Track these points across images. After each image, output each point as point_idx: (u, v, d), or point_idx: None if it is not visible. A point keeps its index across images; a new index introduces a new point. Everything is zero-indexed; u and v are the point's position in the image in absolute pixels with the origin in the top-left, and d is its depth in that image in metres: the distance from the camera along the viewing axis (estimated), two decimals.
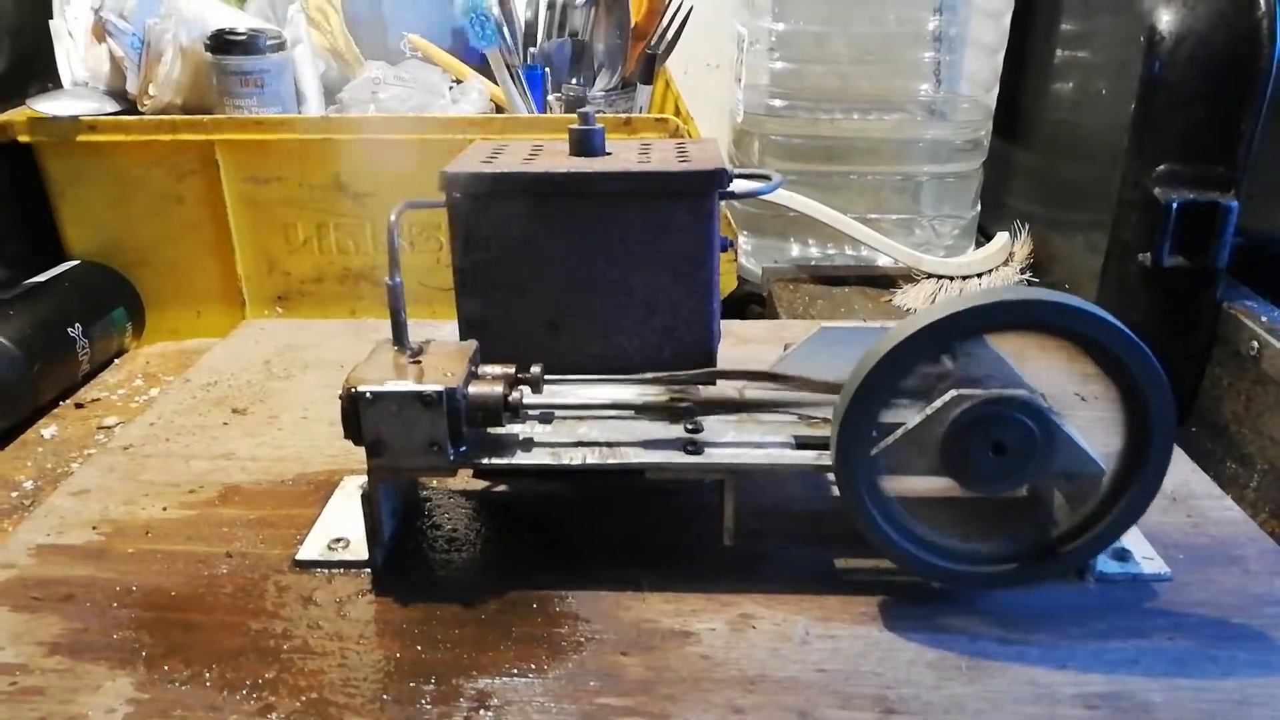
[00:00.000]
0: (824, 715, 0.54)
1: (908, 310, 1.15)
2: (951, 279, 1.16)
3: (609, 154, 0.76)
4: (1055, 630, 0.60)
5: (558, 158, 0.74)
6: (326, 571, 0.66)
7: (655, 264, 0.71)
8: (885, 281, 1.22)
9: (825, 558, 0.67)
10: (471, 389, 0.63)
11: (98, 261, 1.10)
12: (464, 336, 0.75)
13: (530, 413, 0.68)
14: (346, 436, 0.62)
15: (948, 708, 0.54)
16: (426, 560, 0.67)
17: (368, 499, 0.64)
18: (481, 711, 0.54)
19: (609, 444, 0.64)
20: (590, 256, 0.71)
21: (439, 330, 0.77)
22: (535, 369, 0.67)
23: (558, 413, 0.68)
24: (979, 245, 1.26)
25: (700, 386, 0.70)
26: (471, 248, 0.72)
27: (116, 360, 1.06)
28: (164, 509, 0.74)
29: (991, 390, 0.59)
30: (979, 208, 1.33)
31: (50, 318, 0.97)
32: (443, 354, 0.66)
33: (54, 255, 1.12)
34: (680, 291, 0.72)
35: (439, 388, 0.60)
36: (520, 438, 0.65)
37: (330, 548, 0.67)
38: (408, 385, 0.61)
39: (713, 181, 0.69)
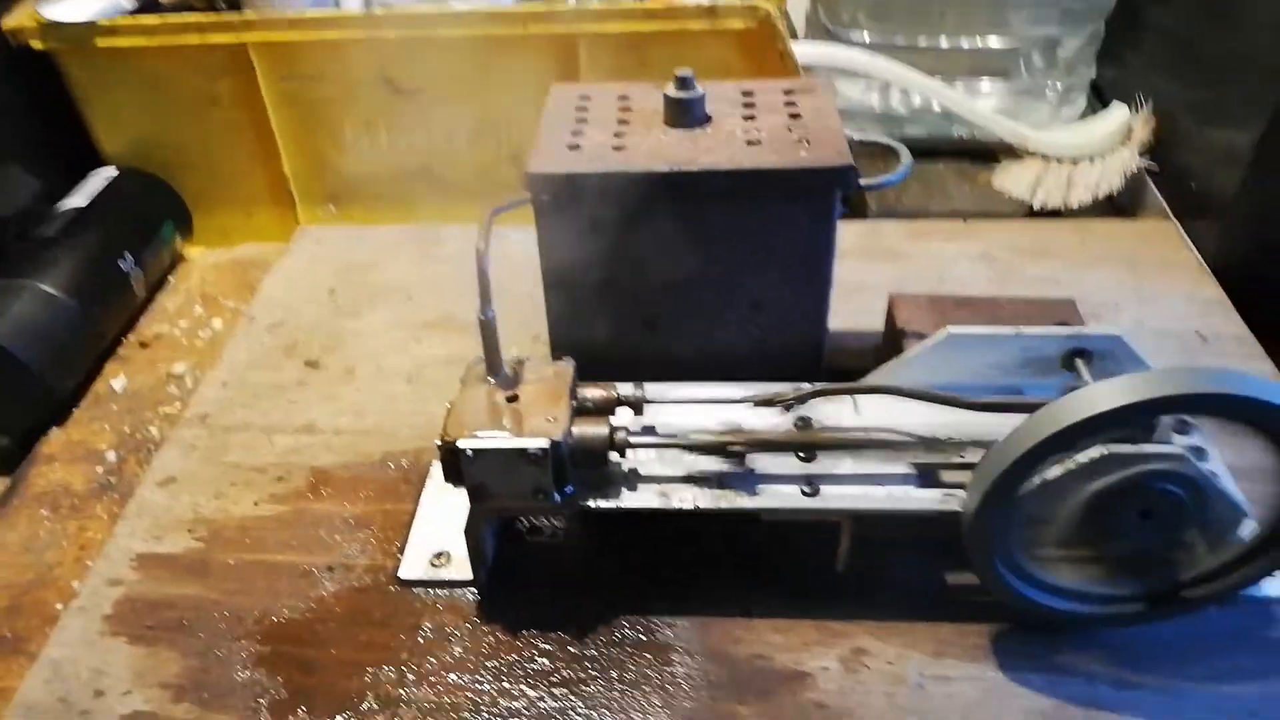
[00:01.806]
0: None
1: (1010, 196, 1.06)
2: (1060, 160, 1.06)
3: (709, 119, 0.67)
4: (1174, 670, 0.59)
5: (653, 133, 0.65)
6: (431, 593, 0.66)
7: (766, 263, 0.65)
8: (983, 155, 1.11)
9: (936, 570, 0.65)
10: (575, 430, 0.59)
11: (137, 168, 1.02)
12: (554, 335, 0.71)
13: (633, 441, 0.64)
14: (447, 480, 0.60)
15: None
16: (530, 576, 0.66)
17: (470, 534, 0.63)
18: None
19: (719, 481, 0.61)
20: (692, 254, 0.65)
21: (512, 271, 0.70)
22: (636, 391, 0.63)
23: (659, 425, 0.64)
24: (1092, 113, 1.14)
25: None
26: (561, 247, 0.65)
27: (170, 278, 1.01)
28: (255, 504, 0.73)
29: (1143, 454, 0.54)
30: (1095, 71, 1.18)
31: (99, 254, 0.91)
32: (540, 385, 0.61)
33: (90, 160, 1.04)
34: (791, 290, 0.66)
35: (543, 444, 0.57)
36: (626, 470, 0.62)
37: (433, 564, 0.67)
38: (510, 441, 0.57)
39: (837, 181, 0.61)
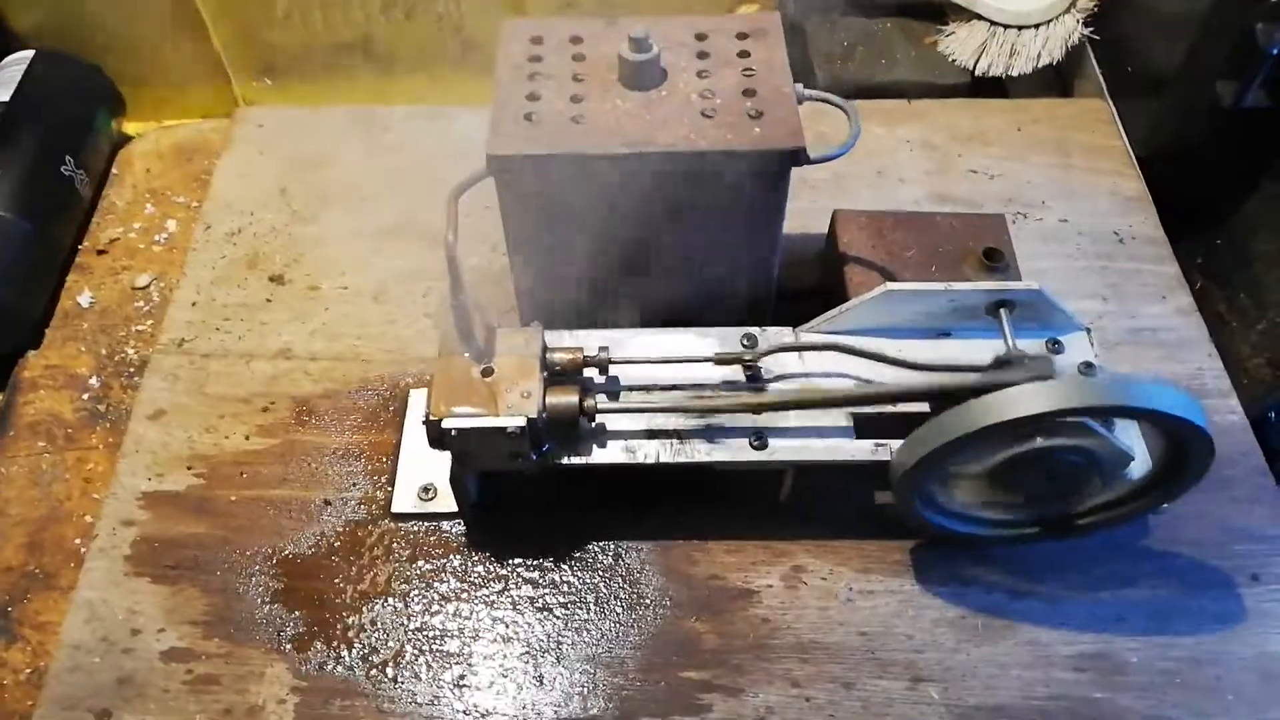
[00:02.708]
0: (865, 685, 0.67)
1: (954, 60, 1.06)
2: (1005, 27, 1.05)
3: (664, 76, 0.67)
4: (1059, 579, 0.71)
5: (609, 96, 0.66)
6: (422, 525, 0.73)
7: (719, 225, 0.68)
8: (931, 13, 1.10)
9: (866, 493, 0.74)
10: (549, 401, 0.65)
11: (55, 49, 0.96)
12: (520, 293, 0.74)
13: (599, 382, 0.70)
14: (432, 447, 0.66)
15: (964, 673, 0.67)
16: (511, 507, 0.74)
17: (455, 483, 0.69)
18: (593, 694, 0.66)
19: (679, 435, 0.68)
20: (650, 219, 0.68)
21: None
22: (601, 352, 0.68)
23: (623, 379, 0.70)
24: None
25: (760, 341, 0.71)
26: (523, 218, 0.67)
27: (113, 170, 0.99)
28: (246, 437, 0.78)
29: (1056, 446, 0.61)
30: None
31: (40, 163, 0.88)
32: (512, 356, 0.66)
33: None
34: (743, 248, 0.70)
35: (520, 422, 0.63)
36: (594, 427, 0.68)
37: (421, 498, 0.74)
38: (490, 421, 0.63)
39: (789, 160, 0.63)
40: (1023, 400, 0.57)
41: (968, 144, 0.98)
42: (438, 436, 0.64)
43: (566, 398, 0.65)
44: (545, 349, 0.67)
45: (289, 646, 0.68)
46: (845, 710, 0.66)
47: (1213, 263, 0.97)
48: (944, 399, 0.64)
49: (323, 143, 0.98)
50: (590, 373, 0.69)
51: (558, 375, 0.68)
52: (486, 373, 0.65)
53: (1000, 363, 0.66)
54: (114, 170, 1.00)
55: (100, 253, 0.92)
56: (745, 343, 0.72)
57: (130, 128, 1.07)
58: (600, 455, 0.67)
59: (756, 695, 0.66)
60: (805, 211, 0.92)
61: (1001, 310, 0.70)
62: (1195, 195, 0.96)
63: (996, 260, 0.79)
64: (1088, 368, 0.71)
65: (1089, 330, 0.73)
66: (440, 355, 0.66)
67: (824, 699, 0.66)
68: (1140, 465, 0.67)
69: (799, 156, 0.64)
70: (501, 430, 0.63)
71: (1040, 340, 0.72)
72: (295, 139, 0.98)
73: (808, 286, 0.85)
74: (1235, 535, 0.73)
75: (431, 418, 0.63)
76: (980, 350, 0.69)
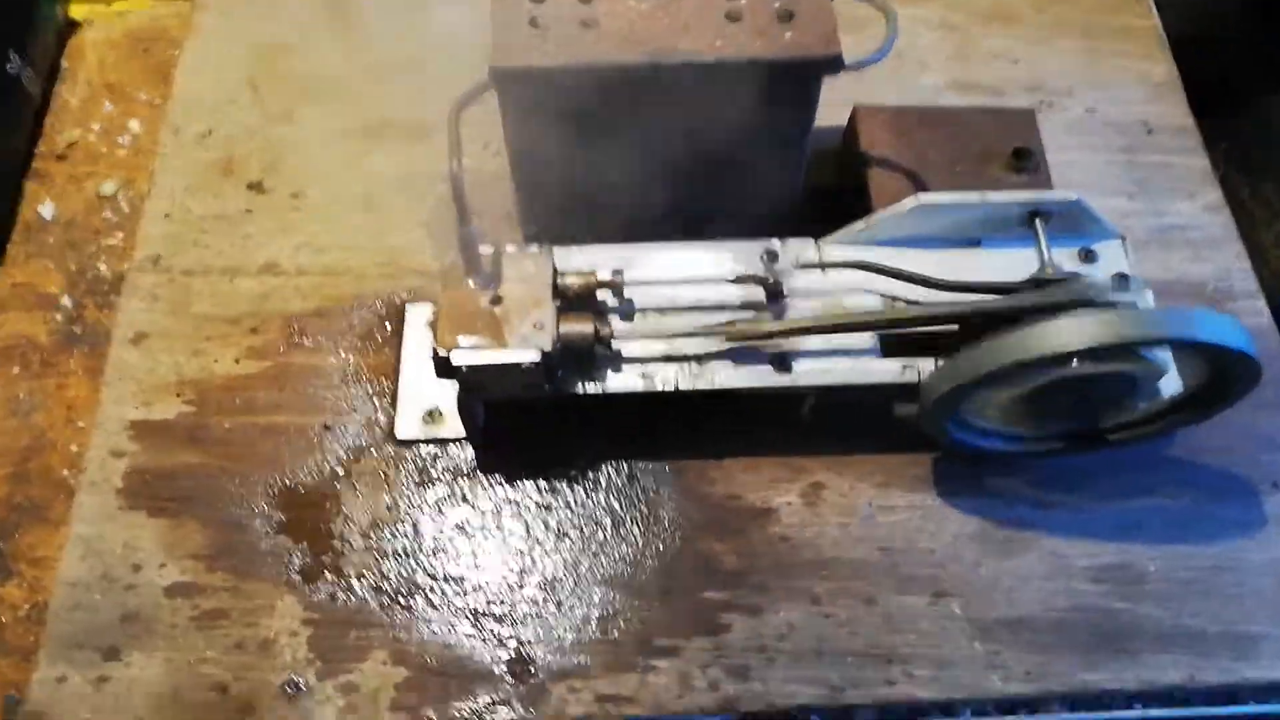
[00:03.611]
0: (886, 601, 0.66)
1: None
2: None
3: None
4: (1081, 490, 0.70)
5: (621, 13, 0.59)
6: (429, 449, 0.71)
7: (741, 138, 0.63)
8: None
9: (884, 405, 0.72)
10: (563, 330, 0.61)
11: None
12: (523, 208, 0.69)
13: (614, 306, 0.66)
14: (440, 376, 0.62)
15: (985, 587, 0.67)
16: (520, 428, 0.71)
17: (463, 409, 0.66)
18: (614, 618, 0.65)
19: (698, 359, 0.65)
20: (669, 131, 0.63)
21: None
22: (615, 275, 0.64)
23: (638, 301, 0.66)
24: None
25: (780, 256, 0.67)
26: (528, 133, 0.62)
27: (64, 63, 0.90)
28: (236, 360, 0.74)
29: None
30: None
31: None
32: (522, 283, 0.62)
33: None
34: (769, 158, 0.65)
35: (535, 356, 0.59)
36: (611, 352, 0.64)
37: (426, 422, 0.71)
38: (503, 355, 0.59)
39: (823, 69, 0.58)
40: (1071, 332, 0.54)
41: (989, 24, 0.92)
42: (446, 370, 0.60)
43: (581, 326, 0.62)
44: (556, 273, 0.63)
45: (297, 578, 0.66)
46: (866, 625, 0.65)
47: (1238, 149, 0.93)
48: (978, 323, 0.62)
49: (286, 28, 0.89)
50: (604, 294, 0.65)
51: (570, 300, 0.64)
52: (495, 301, 0.61)
53: (1038, 283, 0.63)
54: (64, 63, 0.91)
55: (59, 158, 0.86)
56: (766, 258, 0.68)
57: (76, 11, 0.98)
58: (616, 382, 0.64)
59: (778, 613, 0.66)
60: (822, 103, 0.86)
61: (1036, 220, 0.66)
62: (1224, 78, 0.92)
63: (1026, 160, 0.75)
64: (1121, 280, 0.68)
65: (1124, 239, 0.69)
66: (445, 284, 0.62)
67: (845, 615, 0.66)
68: (1172, 382, 0.65)
69: (834, 64, 0.58)
70: (515, 364, 0.59)
71: (1073, 250, 0.69)
72: (257, 22, 0.90)
73: (825, 184, 0.81)
74: (1261, 443, 0.72)
75: (440, 352, 0.60)
76: (1014, 263, 0.66)
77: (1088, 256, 0.69)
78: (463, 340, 0.60)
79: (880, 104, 0.79)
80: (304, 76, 0.87)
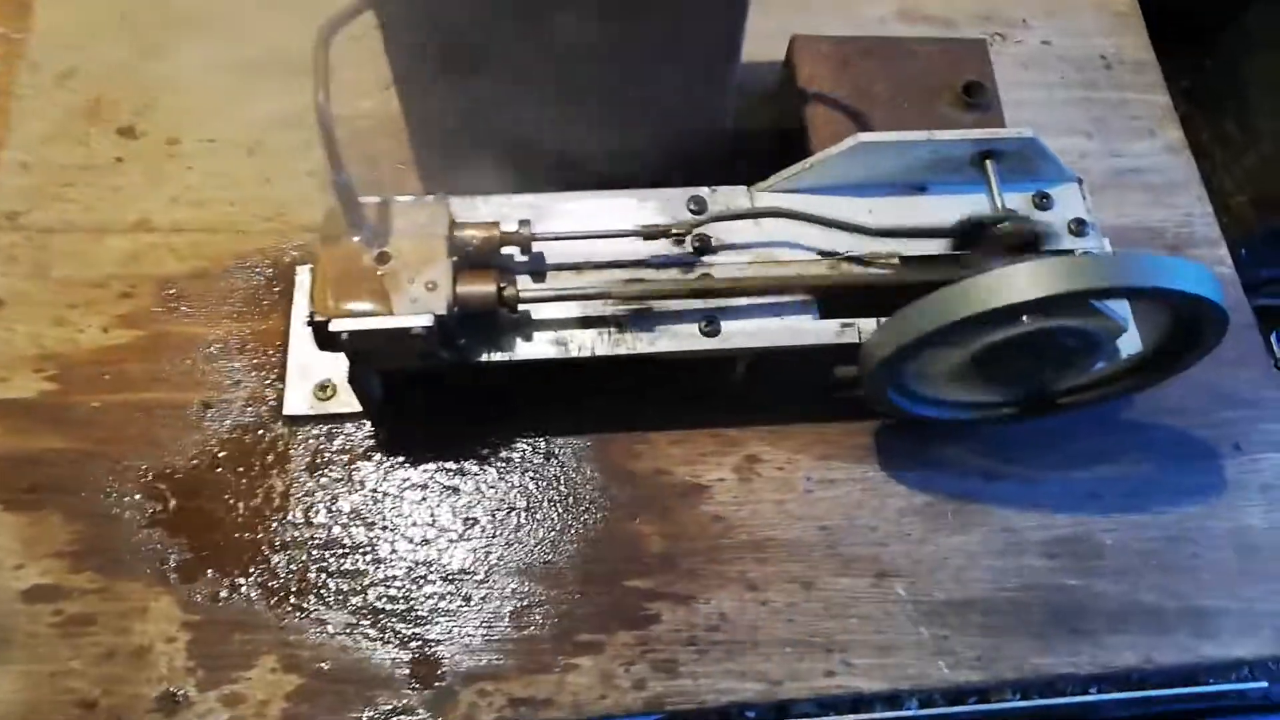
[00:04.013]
0: (826, 584, 0.61)
1: None
2: None
3: None
4: (1034, 458, 0.65)
5: None
6: (322, 428, 0.64)
7: (659, 63, 0.56)
8: None
9: (824, 370, 0.66)
10: (460, 291, 0.54)
11: None
12: (419, 152, 0.61)
13: (521, 261, 0.59)
14: (321, 349, 0.55)
15: (932, 566, 0.62)
16: (424, 399, 0.64)
17: (355, 383, 0.59)
18: (529, 611, 0.59)
19: (617, 323, 0.58)
20: (570, 54, 0.55)
21: None
22: (521, 227, 0.57)
23: (550, 256, 0.59)
24: None
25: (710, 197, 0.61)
26: (413, 57, 0.54)
27: None
28: (105, 330, 0.66)
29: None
30: None
31: None
32: (412, 236, 0.54)
33: None
34: (693, 88, 0.58)
35: (427, 321, 0.52)
36: (516, 316, 0.58)
37: (318, 397, 0.64)
38: (389, 321, 0.52)
39: None
40: (1024, 281, 0.48)
41: None
42: (326, 339, 0.53)
43: (482, 287, 0.55)
44: (453, 225, 0.56)
45: (175, 576, 0.59)
46: (805, 612, 0.60)
47: (1200, 86, 0.88)
48: (919, 277, 0.56)
49: None
50: (510, 250, 0.58)
51: (470, 256, 0.56)
52: (382, 258, 0.54)
53: (985, 224, 0.57)
54: None
55: None
56: (693, 207, 0.61)
57: None
58: (526, 350, 0.58)
59: (709, 601, 0.60)
60: (757, 34, 0.79)
61: (988, 162, 0.60)
62: (1188, 9, 0.86)
63: (978, 96, 0.68)
64: (1079, 225, 0.62)
65: (1081, 182, 0.64)
66: (323, 240, 0.54)
67: (782, 602, 0.60)
68: (1131, 340, 0.60)
69: None
70: (405, 331, 0.52)
71: (1028, 194, 0.63)
72: None
73: (763, 126, 0.74)
74: (1221, 401, 0.68)
75: (317, 317, 0.52)
76: (963, 209, 0.60)
77: (1043, 201, 0.63)
78: (344, 305, 0.53)
79: (821, 34, 0.72)
80: (181, 5, 0.77)
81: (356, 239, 0.54)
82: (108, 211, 0.70)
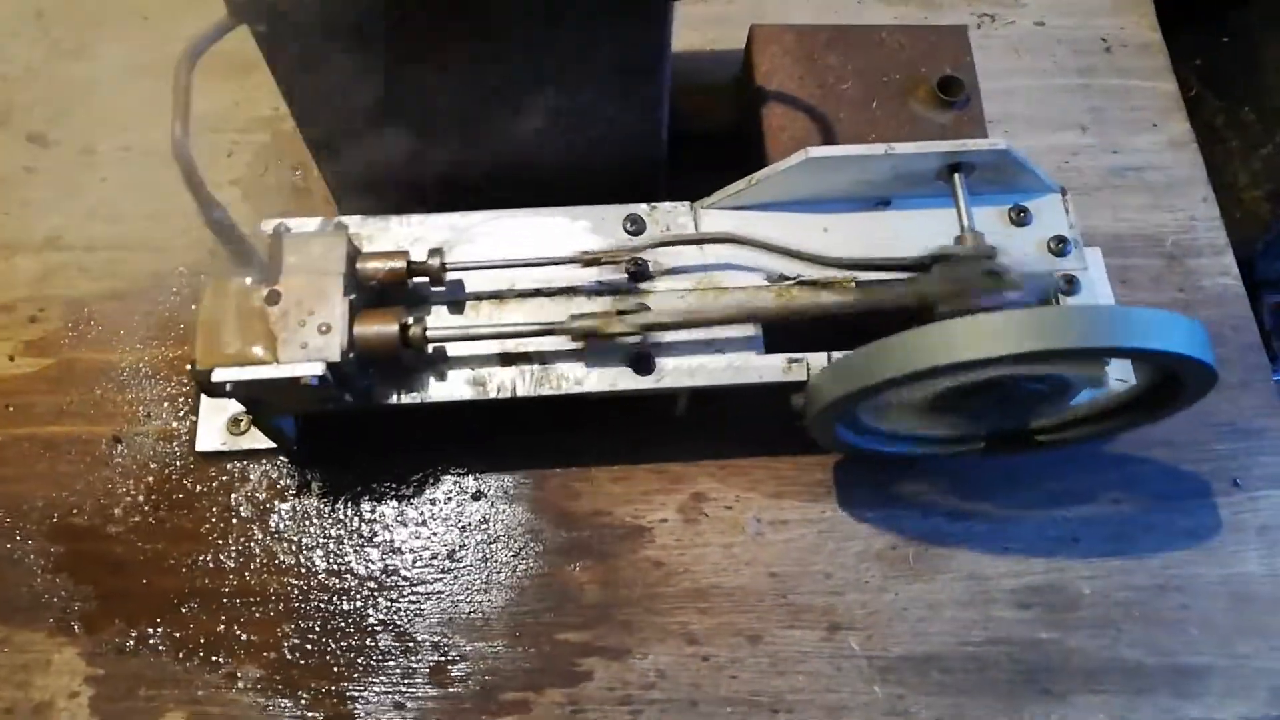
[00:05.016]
0: (774, 637, 0.56)
1: None
2: None
3: None
4: (1007, 496, 0.60)
5: None
6: (237, 464, 0.59)
7: (576, 76, 0.50)
8: None
9: (779, 401, 0.61)
10: (358, 332, 0.49)
11: None
12: (335, 195, 0.56)
13: (436, 292, 0.54)
14: (209, 396, 0.50)
15: (890, 617, 0.57)
16: (344, 434, 0.60)
17: (261, 425, 0.55)
18: (451, 667, 0.55)
19: (541, 359, 0.53)
20: (481, 81, 0.49)
21: None
22: (432, 257, 0.52)
23: (469, 285, 0.54)
24: None
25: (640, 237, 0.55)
26: (301, 79, 0.49)
27: None
28: (11, 358, 0.62)
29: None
30: None
31: None
32: (306, 273, 0.49)
33: None
34: (616, 105, 0.52)
35: (318, 370, 0.47)
36: (430, 353, 0.53)
37: (232, 431, 0.59)
38: (276, 371, 0.47)
39: None
40: (974, 339, 0.42)
41: None
42: (211, 388, 0.49)
43: (383, 326, 0.50)
44: (357, 257, 0.51)
45: (78, 626, 0.56)
46: (749, 669, 0.56)
47: (1213, 66, 0.80)
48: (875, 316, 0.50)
49: None
50: (423, 279, 0.53)
51: (375, 290, 0.52)
52: (272, 298, 0.49)
53: (944, 258, 0.51)
54: None
55: None
56: (629, 226, 0.56)
57: None
58: (439, 390, 0.53)
59: (645, 657, 0.56)
60: (718, 20, 0.73)
61: (956, 175, 0.54)
62: None
63: (953, 93, 0.61)
64: (1059, 244, 0.56)
65: (1064, 192, 0.57)
66: (209, 279, 0.50)
67: (725, 657, 0.56)
68: (1114, 379, 0.54)
69: None
70: (294, 384, 0.48)
71: (1004, 207, 0.57)
72: None
73: (721, 125, 0.68)
74: (1217, 432, 0.62)
75: (199, 366, 0.48)
76: (930, 227, 0.55)
77: (1020, 216, 0.57)
78: (230, 350, 0.48)
79: (785, 22, 0.66)
80: (101, 1, 0.72)
81: (246, 278, 0.49)
82: (16, 228, 0.65)
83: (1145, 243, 0.66)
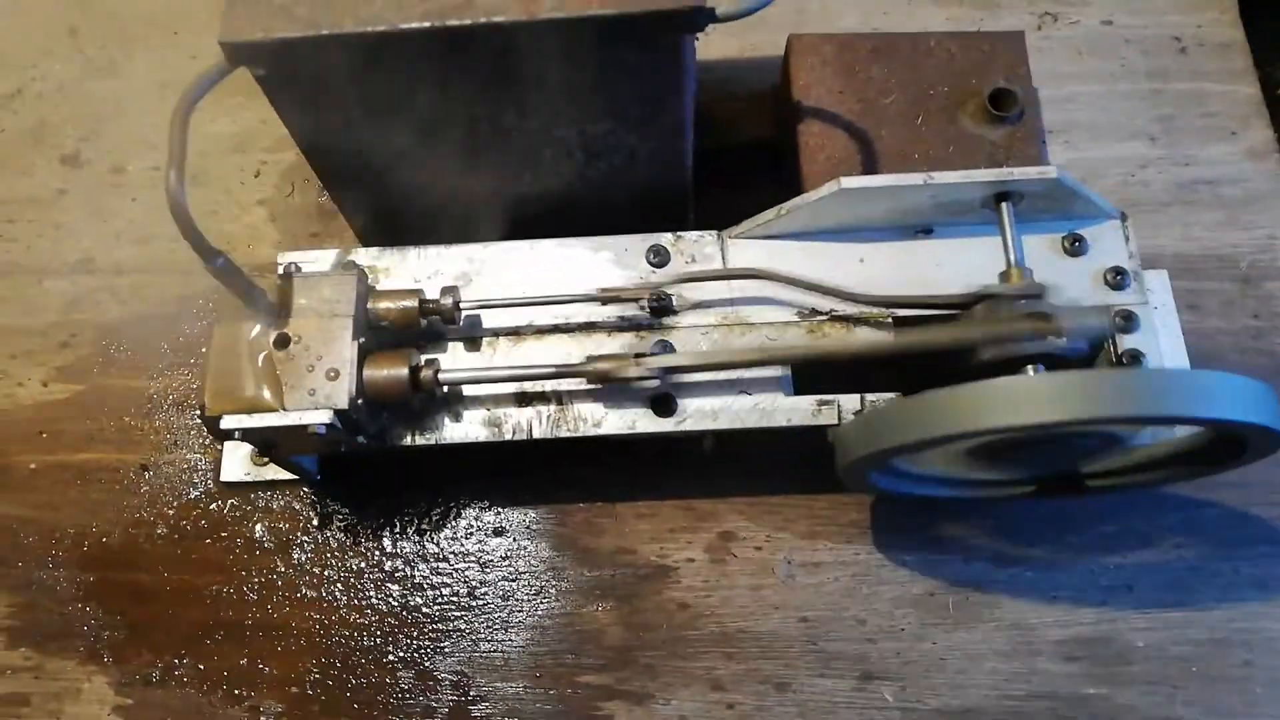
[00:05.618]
0: (803, 686, 0.54)
1: None
2: None
3: None
4: (1056, 541, 0.56)
5: None
6: (260, 495, 0.59)
7: (594, 111, 0.47)
8: None
9: (814, 432, 0.58)
10: (368, 376, 0.48)
11: None
12: (346, 215, 0.55)
13: (452, 329, 0.52)
14: (219, 440, 0.50)
15: (928, 667, 0.54)
16: (367, 465, 0.59)
17: (281, 463, 0.54)
18: (471, 707, 0.54)
19: (559, 399, 0.51)
20: (494, 113, 0.47)
21: None
22: (446, 296, 0.50)
23: (486, 321, 0.53)
24: None
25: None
26: (306, 122, 0.47)
27: None
28: (45, 384, 0.62)
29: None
30: None
31: None
32: (316, 315, 0.48)
33: None
34: (635, 135, 0.49)
35: (326, 418, 0.46)
36: (445, 393, 0.51)
37: (255, 461, 0.59)
38: (285, 419, 0.46)
39: (683, 25, 0.42)
40: (1008, 406, 0.39)
41: None
42: (221, 434, 0.48)
43: (393, 370, 0.48)
44: (369, 296, 0.50)
45: (108, 656, 0.56)
46: (776, 717, 0.54)
47: None
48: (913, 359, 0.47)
49: None
50: (436, 318, 0.51)
51: (387, 331, 0.50)
52: (281, 342, 0.48)
53: (987, 296, 0.47)
54: None
55: None
56: (652, 258, 0.53)
57: None
58: (454, 431, 0.51)
59: (668, 703, 0.54)
60: (756, 23, 0.69)
61: (1004, 205, 0.50)
62: None
63: (1006, 107, 0.57)
64: (1117, 276, 0.52)
65: (1124, 218, 0.53)
66: (218, 322, 0.49)
67: (751, 705, 0.54)
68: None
69: (698, 18, 0.42)
70: (302, 431, 0.47)
71: (1057, 236, 0.53)
72: None
73: (758, 136, 0.65)
74: None
75: (208, 413, 0.47)
76: (974, 258, 0.51)
77: (1074, 245, 0.53)
78: (239, 396, 0.47)
79: (829, 22, 0.62)
80: (130, 18, 0.72)
81: (255, 322, 0.48)
82: (49, 249, 0.66)
83: (1218, 264, 0.61)
